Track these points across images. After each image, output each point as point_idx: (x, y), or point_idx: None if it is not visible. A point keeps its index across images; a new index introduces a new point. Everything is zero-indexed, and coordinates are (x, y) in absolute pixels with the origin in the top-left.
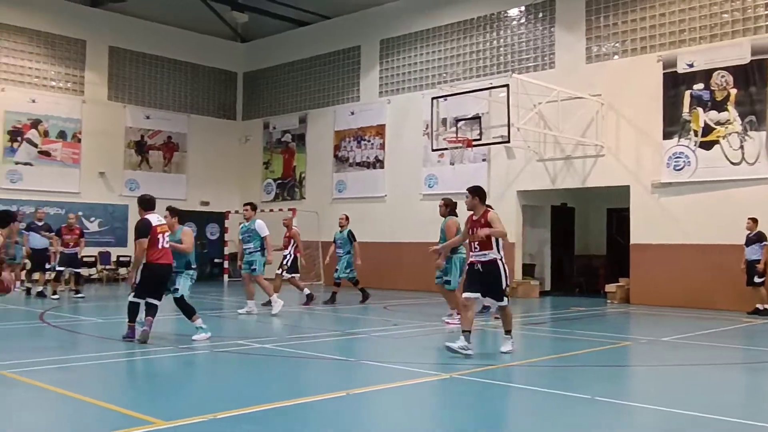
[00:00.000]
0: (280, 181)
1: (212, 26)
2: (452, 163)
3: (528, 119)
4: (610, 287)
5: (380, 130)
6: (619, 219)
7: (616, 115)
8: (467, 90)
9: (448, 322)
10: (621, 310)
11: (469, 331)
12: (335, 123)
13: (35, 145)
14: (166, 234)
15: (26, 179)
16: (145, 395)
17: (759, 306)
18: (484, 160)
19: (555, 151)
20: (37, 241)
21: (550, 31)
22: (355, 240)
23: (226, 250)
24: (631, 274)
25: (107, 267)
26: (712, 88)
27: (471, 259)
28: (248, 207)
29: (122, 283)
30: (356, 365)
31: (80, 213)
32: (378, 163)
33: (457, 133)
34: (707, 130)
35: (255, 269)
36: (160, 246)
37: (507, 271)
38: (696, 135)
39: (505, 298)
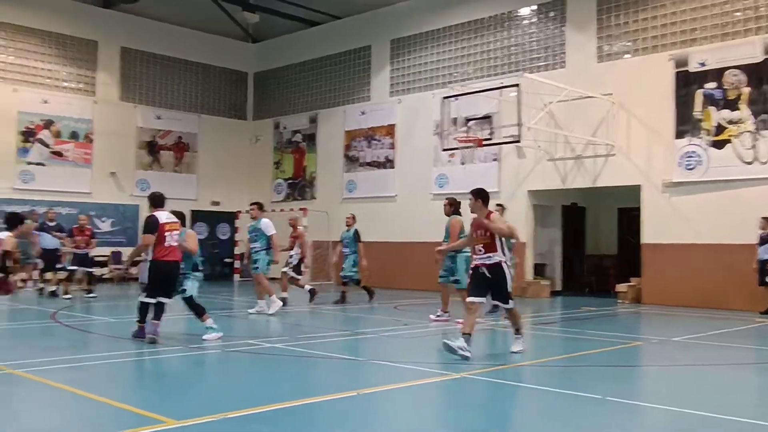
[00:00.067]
0: (290, 181)
1: (223, 27)
2: (463, 163)
3: (539, 119)
4: (621, 287)
5: (391, 130)
6: (630, 218)
7: (627, 115)
8: (478, 90)
9: (457, 321)
10: (632, 310)
11: (470, 335)
12: (346, 123)
13: (47, 146)
14: (175, 232)
15: (39, 179)
16: (156, 394)
17: None
18: (494, 159)
19: (565, 151)
20: (48, 241)
21: (561, 31)
22: (360, 240)
23: (237, 250)
24: (643, 273)
25: (119, 267)
26: (725, 87)
27: (476, 262)
28: (255, 206)
29: (133, 283)
30: (366, 365)
31: (92, 213)
32: (388, 163)
33: (468, 132)
34: (719, 129)
35: (257, 267)
36: (167, 244)
37: (511, 274)
38: (708, 134)
39: (511, 301)
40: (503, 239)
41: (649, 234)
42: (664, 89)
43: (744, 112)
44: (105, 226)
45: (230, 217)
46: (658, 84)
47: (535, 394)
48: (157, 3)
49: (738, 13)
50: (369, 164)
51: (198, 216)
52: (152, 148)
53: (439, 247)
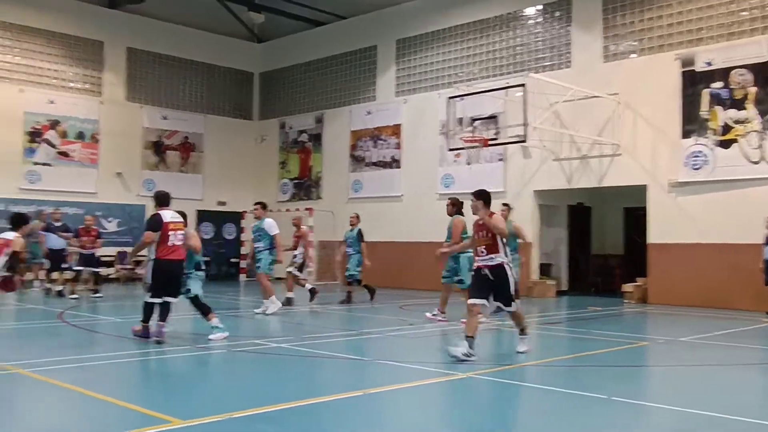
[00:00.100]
0: (296, 181)
1: (229, 27)
2: (469, 163)
3: (544, 119)
4: (627, 287)
5: (396, 130)
6: (636, 218)
7: (633, 114)
8: (483, 89)
9: (461, 321)
10: (638, 309)
11: (473, 337)
12: (351, 123)
13: (54, 146)
14: (180, 232)
15: (45, 180)
16: (162, 394)
17: None
18: (500, 159)
19: (571, 151)
20: (54, 241)
21: (567, 30)
22: (363, 240)
23: (243, 250)
24: (649, 273)
25: (125, 266)
26: (731, 87)
27: (478, 264)
28: (258, 206)
29: (139, 282)
30: (372, 365)
31: (98, 213)
32: (394, 163)
33: (473, 132)
34: (726, 128)
35: (259, 266)
36: (170, 242)
37: (514, 275)
38: (714, 134)
39: (513, 303)
40: (507, 239)
41: (655, 234)
42: (670, 89)
43: (751, 111)
44: (111, 226)
45: (236, 217)
46: (664, 84)
47: (541, 394)
48: (162, 3)
49: (744, 13)
50: (375, 164)
51: (204, 216)
52: (158, 148)
53: (443, 249)
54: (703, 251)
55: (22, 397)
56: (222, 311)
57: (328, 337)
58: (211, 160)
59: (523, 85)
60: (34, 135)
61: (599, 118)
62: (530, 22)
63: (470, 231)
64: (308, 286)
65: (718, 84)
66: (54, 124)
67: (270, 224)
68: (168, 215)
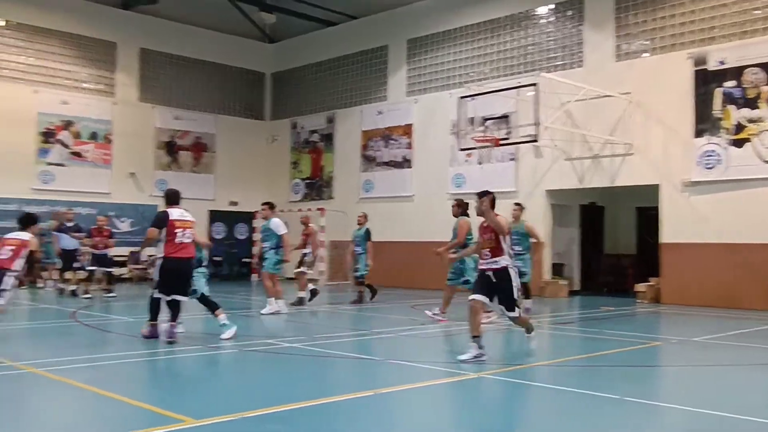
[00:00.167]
0: (308, 181)
1: (240, 27)
2: (480, 163)
3: (556, 118)
4: (639, 287)
5: (407, 130)
6: (648, 218)
7: (646, 114)
8: (495, 89)
9: (431, 316)
10: (651, 309)
11: (479, 336)
12: (363, 123)
13: (67, 147)
14: (188, 230)
15: (58, 180)
16: (175, 394)
17: None
18: (512, 159)
19: (583, 150)
20: (67, 241)
21: (579, 30)
22: (369, 239)
23: (255, 250)
24: (662, 273)
25: (138, 266)
26: (744, 86)
27: (482, 266)
28: (266, 206)
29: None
30: (383, 365)
31: (111, 213)
32: (405, 163)
33: (485, 132)
34: (739, 127)
35: (264, 266)
36: (177, 240)
37: (518, 279)
38: (727, 133)
39: (517, 309)
40: (514, 238)
41: (668, 233)
42: (682, 88)
43: (764, 110)
44: (124, 226)
45: (248, 217)
46: (676, 83)
47: (553, 394)
48: (175, 4)
49: (757, 11)
50: (386, 164)
51: (216, 216)
52: (171, 148)
53: (442, 250)
54: (716, 251)
55: (36, 396)
56: (233, 311)
57: (340, 337)
58: (223, 161)
59: (534, 84)
60: (48, 135)
61: (611, 117)
62: (542, 21)
63: (475, 233)
64: (311, 286)
65: (731, 83)
66: (67, 124)
67: (277, 224)
68: (176, 213)
